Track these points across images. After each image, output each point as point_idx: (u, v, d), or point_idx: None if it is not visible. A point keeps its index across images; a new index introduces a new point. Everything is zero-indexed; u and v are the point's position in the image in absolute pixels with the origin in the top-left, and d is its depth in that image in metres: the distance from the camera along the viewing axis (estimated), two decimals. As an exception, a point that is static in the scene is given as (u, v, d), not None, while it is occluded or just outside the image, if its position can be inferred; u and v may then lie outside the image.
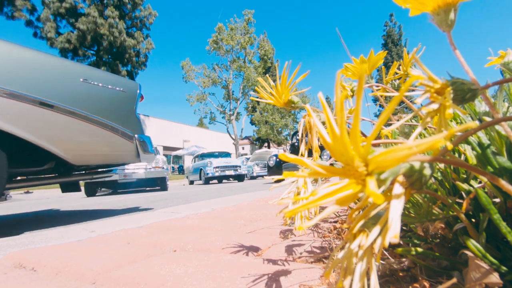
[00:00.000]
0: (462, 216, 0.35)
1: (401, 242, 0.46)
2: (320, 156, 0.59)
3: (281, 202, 0.50)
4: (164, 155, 15.58)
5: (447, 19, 0.31)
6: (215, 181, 11.63)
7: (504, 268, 0.32)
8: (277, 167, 6.99)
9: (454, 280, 0.33)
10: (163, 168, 7.25)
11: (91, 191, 6.85)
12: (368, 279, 0.23)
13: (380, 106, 0.89)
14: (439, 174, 0.46)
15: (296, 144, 6.85)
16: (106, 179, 6.75)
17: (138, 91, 3.34)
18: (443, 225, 0.43)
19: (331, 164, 0.52)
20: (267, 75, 0.74)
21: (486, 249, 0.33)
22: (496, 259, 0.32)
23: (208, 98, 24.53)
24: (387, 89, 0.64)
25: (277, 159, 7.03)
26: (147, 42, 19.75)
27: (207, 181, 10.25)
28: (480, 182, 0.40)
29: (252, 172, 11.84)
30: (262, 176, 12.06)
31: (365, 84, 0.50)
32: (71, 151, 2.10)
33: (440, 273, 0.40)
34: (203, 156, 11.89)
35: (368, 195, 0.18)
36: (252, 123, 28.71)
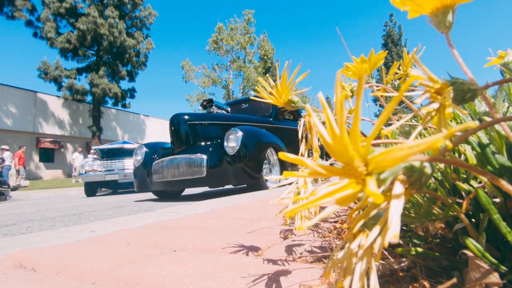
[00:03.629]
0: (462, 216, 0.35)
1: (401, 242, 0.46)
2: (321, 156, 0.59)
3: (281, 202, 0.50)
4: (164, 155, 15.54)
5: (445, 21, 0.32)
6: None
7: (504, 268, 0.32)
8: (145, 168, 3.85)
9: (454, 280, 0.33)
10: (163, 168, 7.19)
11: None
12: (368, 279, 0.23)
13: (380, 106, 0.89)
14: (439, 174, 0.46)
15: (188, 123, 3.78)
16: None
17: None
18: (443, 225, 0.43)
19: (331, 164, 0.52)
20: (267, 75, 0.74)
21: (486, 249, 0.33)
22: (496, 259, 0.32)
23: (208, 98, 24.51)
24: (387, 89, 0.64)
25: (146, 151, 4.01)
26: (147, 42, 19.75)
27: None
28: (480, 182, 0.40)
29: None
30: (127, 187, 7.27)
31: (365, 84, 0.50)
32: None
33: (440, 273, 0.40)
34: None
35: (368, 195, 0.18)
36: (252, 123, 28.64)
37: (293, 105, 0.59)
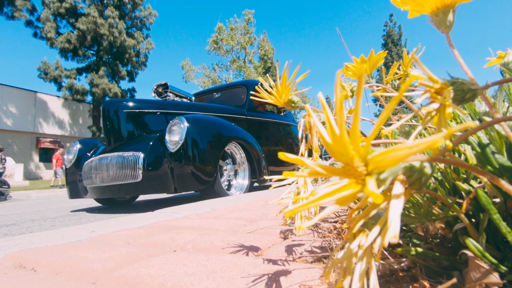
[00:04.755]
0: (462, 216, 0.35)
1: (401, 242, 0.46)
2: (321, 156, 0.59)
3: (281, 202, 0.50)
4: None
5: (446, 20, 0.32)
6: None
7: (504, 268, 0.32)
8: (78, 169, 3.13)
9: (454, 280, 0.33)
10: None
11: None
12: (368, 279, 0.23)
13: (380, 106, 0.89)
14: (439, 174, 0.46)
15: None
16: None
17: None
18: (443, 225, 0.43)
19: (331, 164, 0.52)
20: (267, 75, 0.74)
21: (486, 249, 0.33)
22: (496, 259, 0.32)
23: (208, 98, 24.51)
24: (387, 89, 0.64)
25: (80, 148, 3.23)
26: (147, 42, 19.77)
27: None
28: (480, 182, 0.40)
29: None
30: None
31: (365, 84, 0.50)
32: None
33: (440, 273, 0.40)
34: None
35: (367, 195, 0.18)
36: (252, 123, 28.66)
37: (293, 105, 0.59)
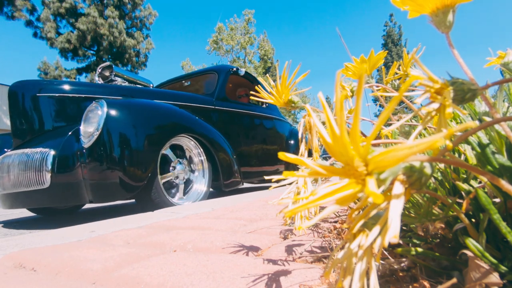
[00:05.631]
0: (462, 216, 0.35)
1: (401, 242, 0.46)
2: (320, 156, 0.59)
3: (281, 202, 0.50)
4: (164, 155, 15.51)
5: (446, 21, 0.32)
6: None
7: (504, 268, 0.32)
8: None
9: (454, 280, 0.33)
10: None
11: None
12: (368, 279, 0.23)
13: (380, 106, 0.89)
14: (439, 174, 0.46)
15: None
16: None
17: None
18: (443, 225, 0.43)
19: (331, 164, 0.52)
20: (267, 75, 0.74)
21: (486, 249, 0.33)
22: (496, 259, 0.32)
23: (208, 98, 24.52)
24: (387, 89, 0.64)
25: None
26: (147, 42, 19.76)
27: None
28: (480, 182, 0.40)
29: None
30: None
31: (365, 84, 0.50)
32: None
33: (440, 273, 0.40)
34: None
35: (367, 195, 0.18)
36: (252, 123, 28.70)
37: (293, 105, 0.59)
